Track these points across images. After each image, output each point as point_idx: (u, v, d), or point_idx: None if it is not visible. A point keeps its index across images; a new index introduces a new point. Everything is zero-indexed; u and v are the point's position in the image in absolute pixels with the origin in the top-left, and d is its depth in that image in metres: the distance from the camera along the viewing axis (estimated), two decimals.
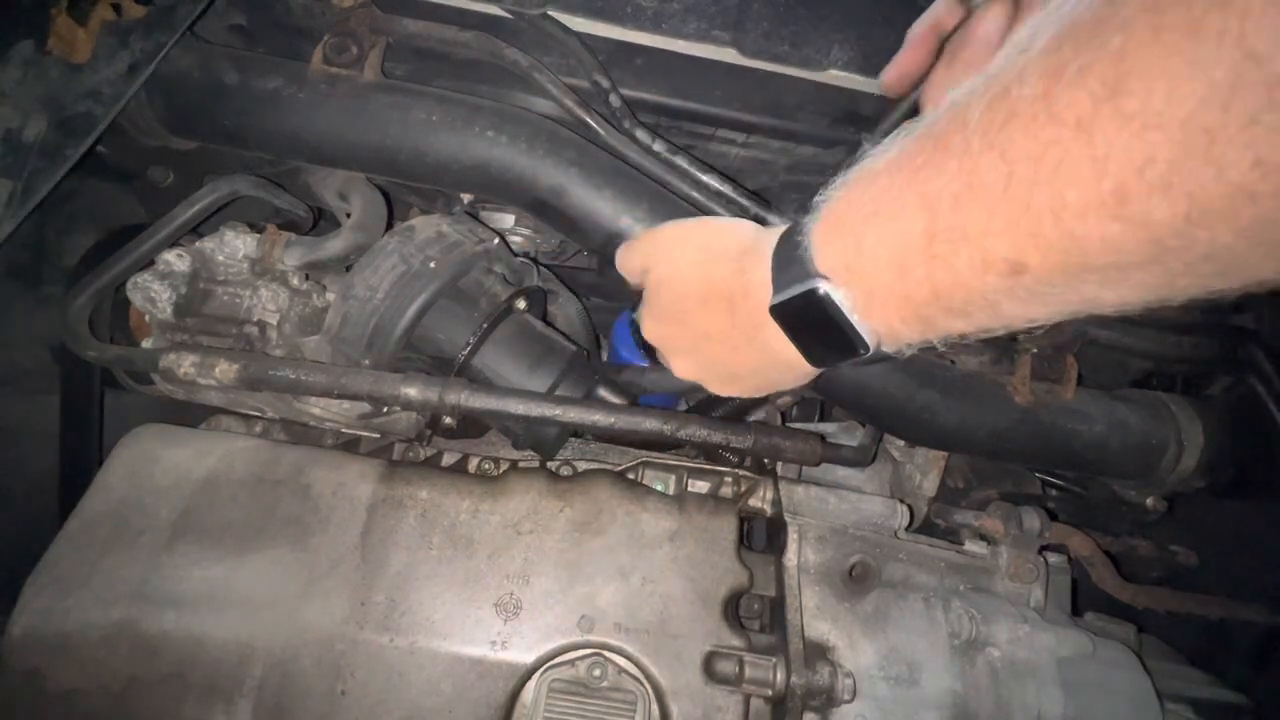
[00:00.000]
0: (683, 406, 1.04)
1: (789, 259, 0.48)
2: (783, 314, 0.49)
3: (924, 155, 0.39)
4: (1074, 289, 0.37)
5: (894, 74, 0.61)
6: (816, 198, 0.47)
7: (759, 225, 0.56)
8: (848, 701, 0.68)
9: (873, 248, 0.43)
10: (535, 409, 0.72)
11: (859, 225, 0.43)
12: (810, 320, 0.47)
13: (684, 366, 0.61)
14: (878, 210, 0.42)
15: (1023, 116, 0.33)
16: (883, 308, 0.44)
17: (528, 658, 0.68)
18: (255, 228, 0.83)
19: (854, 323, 0.45)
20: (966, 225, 0.37)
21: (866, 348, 0.46)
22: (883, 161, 0.42)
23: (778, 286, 0.48)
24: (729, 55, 0.84)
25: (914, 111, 0.62)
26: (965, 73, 0.52)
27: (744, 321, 0.53)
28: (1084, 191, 0.32)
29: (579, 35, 0.81)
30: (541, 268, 0.92)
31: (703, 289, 0.56)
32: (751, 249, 0.52)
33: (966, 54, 0.53)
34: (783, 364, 0.53)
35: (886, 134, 0.46)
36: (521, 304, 0.82)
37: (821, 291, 0.45)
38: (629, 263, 0.64)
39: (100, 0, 0.74)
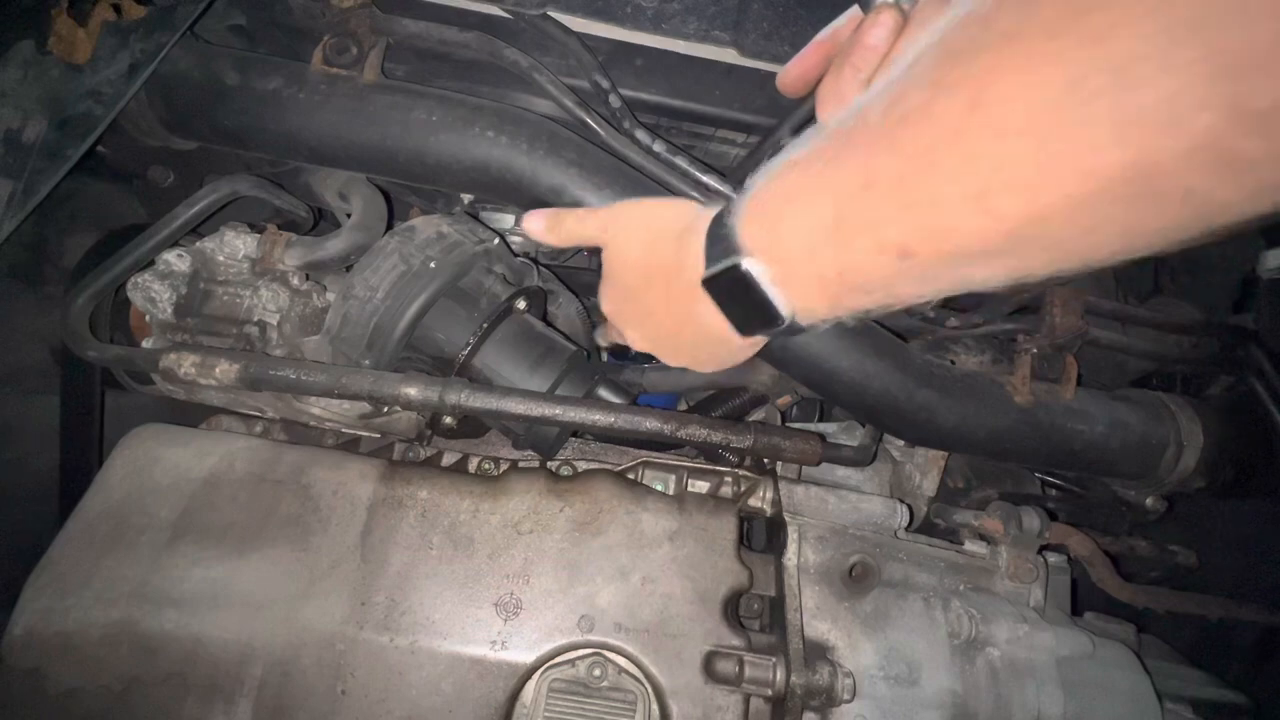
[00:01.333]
0: (683, 406, 1.05)
1: (718, 237, 0.53)
2: (712, 287, 0.54)
3: (833, 149, 0.45)
4: (952, 271, 0.43)
5: (792, 75, 0.64)
6: (747, 180, 0.51)
7: (700, 205, 0.60)
8: (847, 701, 0.68)
9: (789, 231, 0.48)
10: (535, 409, 0.72)
11: (778, 209, 0.49)
12: (735, 293, 0.52)
13: (635, 339, 0.66)
14: (793, 197, 0.47)
15: (911, 121, 0.39)
16: (797, 284, 0.50)
17: (528, 657, 0.68)
18: (255, 228, 0.83)
19: (771, 296, 0.50)
20: (866, 213, 0.43)
21: (783, 319, 0.51)
22: (801, 153, 0.48)
23: (709, 261, 0.54)
24: (729, 55, 0.84)
25: (813, 115, 0.65)
26: (851, 78, 0.54)
27: (680, 296, 0.57)
28: (957, 188, 0.38)
29: (579, 35, 0.81)
30: (541, 268, 0.92)
31: (645, 267, 0.61)
32: (689, 228, 0.57)
33: (854, 59, 0.55)
34: (717, 338, 0.58)
35: (793, 131, 0.50)
36: (522, 304, 0.82)
37: (744, 267, 0.50)
38: (579, 229, 0.67)
39: (100, 0, 0.74)
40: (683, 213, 0.60)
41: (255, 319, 0.79)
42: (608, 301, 0.66)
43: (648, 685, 0.68)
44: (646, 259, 0.61)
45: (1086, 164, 0.33)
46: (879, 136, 0.41)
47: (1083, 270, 0.39)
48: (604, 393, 0.81)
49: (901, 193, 0.41)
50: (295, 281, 0.81)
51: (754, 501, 0.83)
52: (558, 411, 0.72)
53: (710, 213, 0.55)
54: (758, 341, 0.59)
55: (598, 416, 0.72)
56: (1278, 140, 0.30)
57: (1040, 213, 0.36)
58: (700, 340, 0.60)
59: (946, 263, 0.42)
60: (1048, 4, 0.33)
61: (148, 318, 0.79)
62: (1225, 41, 0.28)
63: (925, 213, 0.40)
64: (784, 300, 0.50)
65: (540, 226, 0.68)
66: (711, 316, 0.56)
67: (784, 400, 0.90)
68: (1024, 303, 0.85)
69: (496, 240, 0.84)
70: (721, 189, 0.78)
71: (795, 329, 0.53)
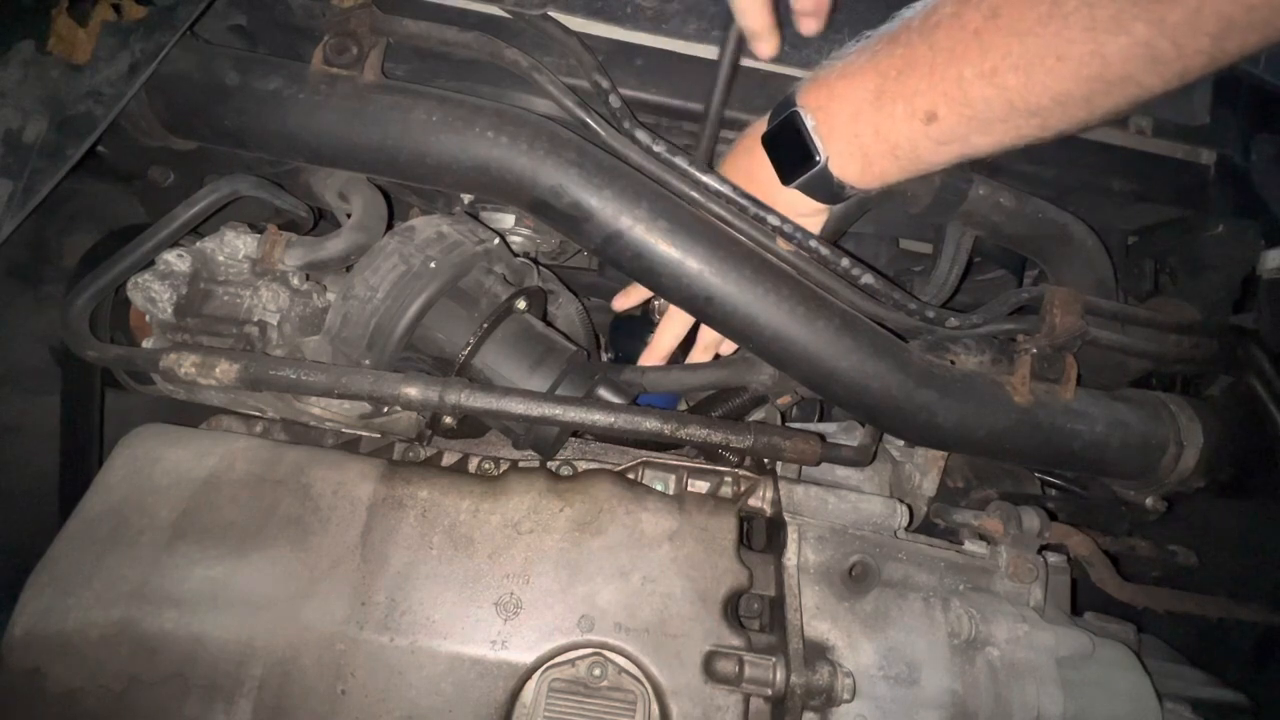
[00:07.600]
0: (683, 406, 1.04)
1: (782, 105, 0.72)
2: (767, 141, 0.73)
3: (880, 45, 0.65)
4: (964, 135, 0.62)
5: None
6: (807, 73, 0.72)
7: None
8: (847, 701, 0.68)
9: (840, 95, 0.67)
10: (535, 409, 0.72)
11: (832, 83, 0.68)
12: (784, 140, 0.71)
13: None
14: (846, 74, 0.67)
15: (944, 25, 0.59)
16: (838, 139, 0.68)
17: (528, 657, 0.68)
18: (255, 228, 0.83)
19: (814, 141, 0.68)
20: (902, 87, 0.62)
21: (819, 159, 0.68)
22: (854, 50, 0.67)
23: (770, 120, 0.73)
24: None
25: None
26: None
27: (744, 156, 0.78)
28: (974, 68, 0.57)
29: (579, 35, 0.81)
30: (541, 268, 0.92)
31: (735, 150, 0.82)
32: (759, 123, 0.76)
33: None
34: (766, 194, 0.74)
35: None
36: (522, 304, 0.82)
37: (795, 112, 0.69)
38: None
39: (100, 1, 0.74)
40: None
41: (255, 319, 0.79)
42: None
43: (648, 685, 0.68)
44: (736, 151, 0.81)
45: (1063, 52, 0.53)
46: (917, 36, 0.61)
47: (1056, 136, 0.60)
48: (604, 393, 0.81)
49: (932, 73, 0.59)
50: (295, 281, 0.81)
51: (754, 501, 0.83)
52: (558, 411, 0.72)
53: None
54: (810, 207, 0.75)
55: (598, 416, 0.72)
56: (1185, 43, 0.50)
57: (1030, 85, 0.55)
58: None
59: (963, 125, 0.60)
60: None
61: (148, 318, 0.79)
62: None
63: (950, 85, 0.59)
64: (823, 149, 0.68)
65: None
66: (763, 170, 0.73)
67: (784, 400, 0.90)
68: (1024, 303, 0.85)
69: (496, 240, 0.84)
70: (721, 189, 0.78)
71: (833, 186, 0.70)
